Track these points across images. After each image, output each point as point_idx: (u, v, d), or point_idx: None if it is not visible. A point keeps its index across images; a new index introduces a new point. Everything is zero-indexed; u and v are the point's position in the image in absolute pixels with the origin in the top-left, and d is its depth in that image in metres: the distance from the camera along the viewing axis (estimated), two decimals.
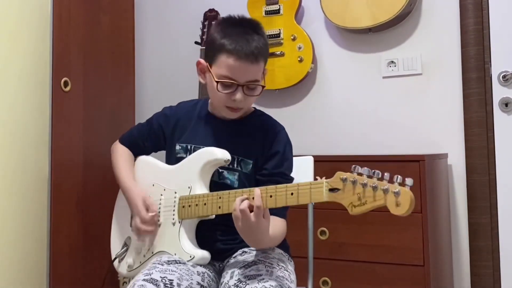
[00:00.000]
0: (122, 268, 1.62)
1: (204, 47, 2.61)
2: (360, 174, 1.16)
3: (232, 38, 1.42)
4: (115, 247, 1.67)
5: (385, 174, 1.14)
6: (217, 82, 1.44)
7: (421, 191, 2.00)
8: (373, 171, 1.15)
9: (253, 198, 1.29)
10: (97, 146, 2.23)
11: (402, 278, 2.02)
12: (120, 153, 1.67)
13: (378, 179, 1.14)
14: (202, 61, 1.53)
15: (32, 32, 1.97)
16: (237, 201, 1.30)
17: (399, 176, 1.11)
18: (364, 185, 1.14)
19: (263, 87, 1.48)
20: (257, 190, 1.29)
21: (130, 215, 1.65)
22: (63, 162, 2.07)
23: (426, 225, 1.99)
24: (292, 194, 1.27)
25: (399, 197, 1.10)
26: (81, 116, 2.18)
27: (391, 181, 1.13)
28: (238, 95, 1.44)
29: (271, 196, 1.29)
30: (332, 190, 1.20)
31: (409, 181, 1.10)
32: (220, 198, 1.39)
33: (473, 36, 2.34)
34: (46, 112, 2.02)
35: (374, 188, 1.13)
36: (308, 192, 1.25)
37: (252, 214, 1.27)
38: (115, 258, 1.63)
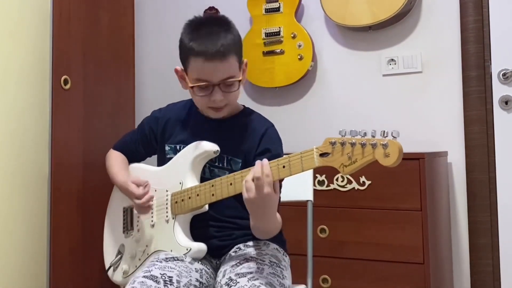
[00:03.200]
0: (117, 276, 1.62)
1: None
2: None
3: (198, 40, 1.42)
4: (109, 256, 1.66)
5: (372, 130, 1.15)
6: (192, 87, 1.45)
7: (421, 189, 2.00)
8: (360, 130, 1.16)
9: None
10: (97, 145, 2.23)
11: (402, 276, 2.02)
12: (114, 156, 1.68)
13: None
14: (179, 68, 1.53)
15: (32, 30, 1.97)
16: (249, 175, 1.29)
17: (385, 131, 1.13)
18: (353, 144, 1.16)
19: (239, 81, 1.47)
20: (265, 160, 1.29)
21: (122, 222, 1.65)
22: (63, 161, 2.07)
23: (426, 223, 2.00)
24: (284, 167, 1.28)
25: (387, 149, 1.11)
26: (81, 114, 2.18)
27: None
28: (217, 95, 1.44)
29: None
30: (322, 155, 1.21)
31: (395, 133, 1.13)
32: (212, 186, 1.40)
33: (473, 34, 2.33)
34: (46, 110, 2.02)
35: (363, 145, 1.14)
36: (299, 161, 1.25)
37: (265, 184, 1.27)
38: (109, 267, 1.63)
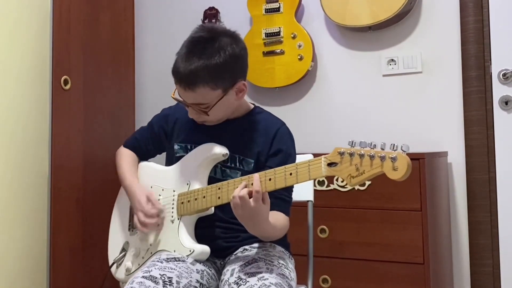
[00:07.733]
0: (119, 273, 1.61)
1: None
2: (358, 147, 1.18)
3: (178, 58, 1.41)
4: (113, 253, 1.66)
5: (382, 143, 1.15)
6: (173, 97, 1.47)
7: (421, 189, 2.00)
8: (369, 142, 1.16)
9: (252, 184, 1.30)
10: (97, 145, 2.23)
11: (402, 276, 2.02)
12: (124, 155, 1.69)
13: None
14: None
15: (32, 31, 1.97)
16: (237, 190, 1.30)
17: (395, 144, 1.14)
18: (361, 156, 1.16)
19: (211, 106, 1.42)
20: (256, 175, 1.30)
21: (128, 220, 1.65)
22: (63, 161, 2.07)
23: (426, 223, 2.00)
24: (291, 174, 1.28)
25: (396, 162, 1.12)
26: (81, 115, 2.17)
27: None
28: (191, 114, 1.47)
29: (270, 179, 1.30)
30: (330, 165, 1.21)
31: (405, 147, 1.13)
32: (219, 189, 1.40)
33: (473, 34, 2.34)
34: (46, 110, 2.02)
35: (372, 157, 1.14)
36: (307, 169, 1.25)
37: (251, 199, 1.28)
38: (112, 263, 1.63)
